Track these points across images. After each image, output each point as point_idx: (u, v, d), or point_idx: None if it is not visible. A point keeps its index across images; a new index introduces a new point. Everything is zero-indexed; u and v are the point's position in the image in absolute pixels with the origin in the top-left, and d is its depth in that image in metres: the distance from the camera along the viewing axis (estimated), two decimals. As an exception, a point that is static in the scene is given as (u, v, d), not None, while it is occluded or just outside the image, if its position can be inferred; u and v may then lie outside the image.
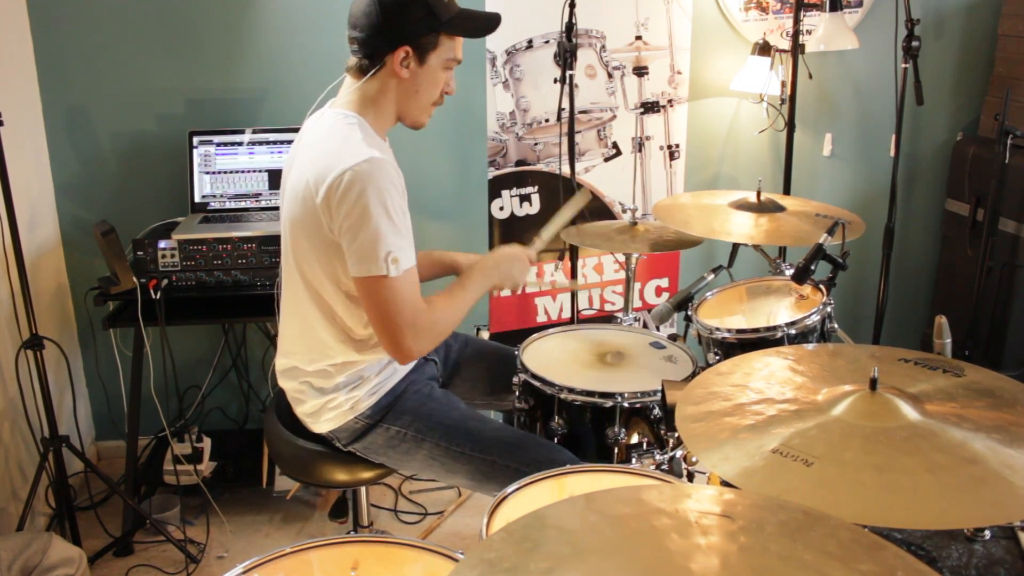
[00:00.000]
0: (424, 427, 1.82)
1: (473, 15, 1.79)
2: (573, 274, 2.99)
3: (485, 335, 2.28)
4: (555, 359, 2.05)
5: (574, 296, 3.01)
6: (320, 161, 1.67)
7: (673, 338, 2.16)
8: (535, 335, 2.16)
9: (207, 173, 2.74)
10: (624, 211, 3.11)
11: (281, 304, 1.90)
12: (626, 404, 1.84)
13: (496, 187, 3.00)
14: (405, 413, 1.84)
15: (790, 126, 2.98)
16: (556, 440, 1.90)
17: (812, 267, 1.86)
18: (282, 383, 1.90)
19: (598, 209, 3.07)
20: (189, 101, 2.86)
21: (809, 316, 1.96)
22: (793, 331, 1.94)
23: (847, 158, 3.24)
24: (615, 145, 3.06)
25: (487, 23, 1.81)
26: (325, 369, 1.81)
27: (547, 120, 2.96)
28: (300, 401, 1.87)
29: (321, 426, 1.84)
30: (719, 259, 3.09)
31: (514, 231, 3.03)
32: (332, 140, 1.71)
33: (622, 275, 3.11)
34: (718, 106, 3.15)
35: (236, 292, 2.52)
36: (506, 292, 2.31)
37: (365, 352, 1.82)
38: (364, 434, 1.83)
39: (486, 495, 1.80)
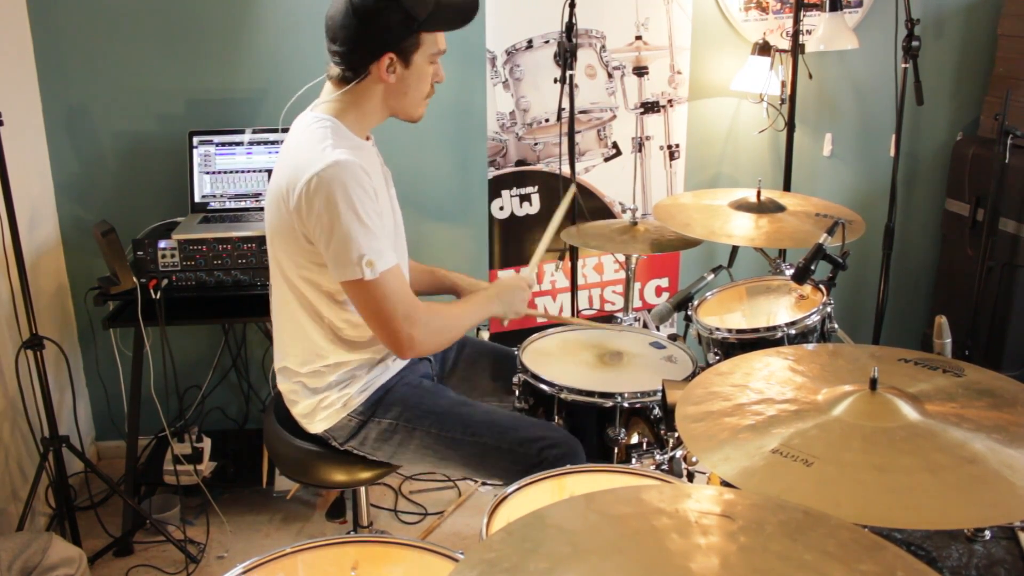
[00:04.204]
0: (414, 416, 1.83)
1: (450, 5, 1.74)
2: (573, 277, 2.99)
3: (485, 335, 2.28)
4: (555, 359, 2.05)
5: (574, 296, 3.01)
6: (290, 167, 1.68)
7: (673, 338, 2.16)
8: (535, 335, 2.16)
9: (207, 173, 2.74)
10: (624, 211, 3.10)
11: (272, 307, 1.90)
12: (626, 404, 1.84)
13: (496, 187, 3.00)
14: (395, 405, 1.84)
15: (790, 126, 2.98)
16: (556, 440, 1.90)
17: (812, 267, 1.86)
18: (279, 384, 1.91)
19: (598, 209, 3.07)
20: (189, 101, 2.86)
21: (809, 316, 1.96)
22: (793, 331, 1.94)
23: (847, 158, 3.24)
24: (615, 145, 3.06)
25: (465, 12, 1.77)
26: (318, 370, 1.82)
27: (547, 120, 2.96)
28: (295, 402, 1.87)
29: (316, 426, 1.85)
30: (719, 259, 3.09)
31: (514, 231, 3.03)
32: (302, 145, 1.70)
33: (622, 275, 3.11)
34: (718, 106, 3.15)
35: (236, 292, 2.52)
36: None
37: (356, 351, 1.82)
38: (358, 431, 1.83)
39: (483, 479, 1.79)
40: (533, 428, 1.81)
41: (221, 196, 2.74)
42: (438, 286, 2.12)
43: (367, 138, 1.83)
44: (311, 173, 1.62)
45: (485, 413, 1.85)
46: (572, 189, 2.32)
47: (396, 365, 1.92)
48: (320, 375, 1.82)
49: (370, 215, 1.66)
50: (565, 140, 2.76)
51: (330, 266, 1.67)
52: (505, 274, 3.04)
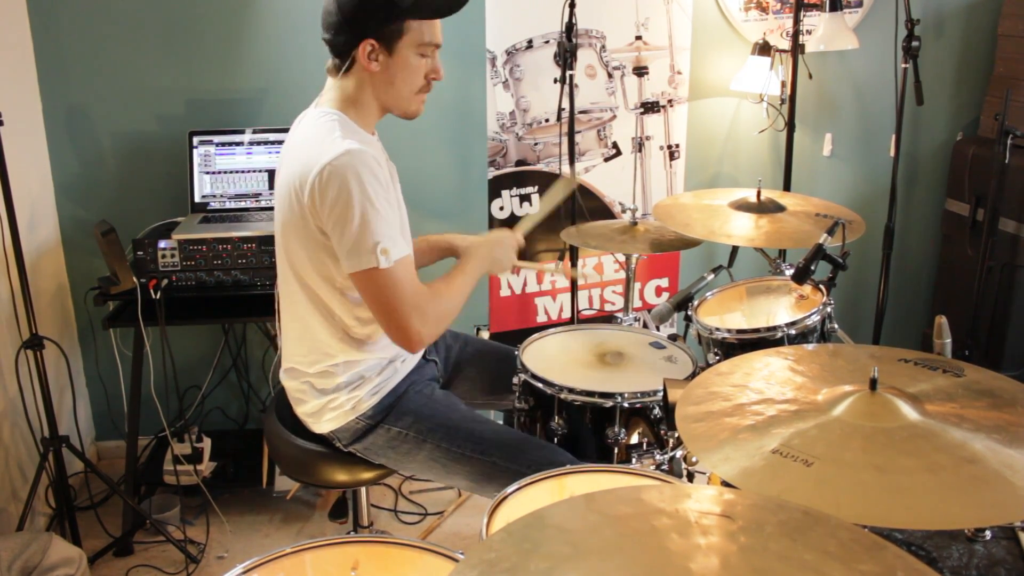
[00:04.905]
0: (425, 428, 1.82)
1: None
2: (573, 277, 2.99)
3: (485, 335, 2.28)
4: (555, 359, 2.05)
5: (574, 296, 3.01)
6: (301, 161, 1.68)
7: (673, 338, 2.16)
8: (535, 335, 2.16)
9: (207, 173, 2.74)
10: (624, 211, 3.10)
11: (280, 307, 1.90)
12: (626, 404, 1.84)
13: (496, 187, 3.00)
14: (407, 414, 1.84)
15: (790, 126, 2.98)
16: (556, 440, 1.90)
17: (812, 267, 1.86)
18: (284, 382, 1.91)
19: (598, 209, 3.07)
20: (189, 101, 2.86)
21: (809, 316, 1.96)
22: (793, 331, 1.94)
23: (847, 158, 3.24)
24: (615, 145, 3.06)
25: (449, 2, 1.72)
26: (327, 370, 1.81)
27: (547, 120, 2.96)
28: (301, 401, 1.87)
29: (322, 426, 1.84)
30: (719, 259, 3.09)
31: (514, 231, 3.03)
32: (311, 138, 1.71)
33: (622, 275, 3.11)
34: (718, 106, 3.15)
35: (236, 292, 2.52)
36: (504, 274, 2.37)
37: (365, 351, 1.82)
38: (365, 435, 1.83)
39: (485, 497, 1.80)
40: (542, 451, 1.80)
41: (221, 196, 2.74)
42: (435, 253, 2.09)
43: (372, 133, 1.83)
44: (323, 163, 1.62)
45: (495, 432, 1.84)
46: (571, 183, 2.28)
47: (405, 368, 1.91)
48: (329, 375, 1.82)
49: (384, 203, 1.66)
50: (565, 140, 2.76)
51: (342, 256, 1.66)
52: (503, 275, 3.04)
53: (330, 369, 1.81)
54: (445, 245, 2.09)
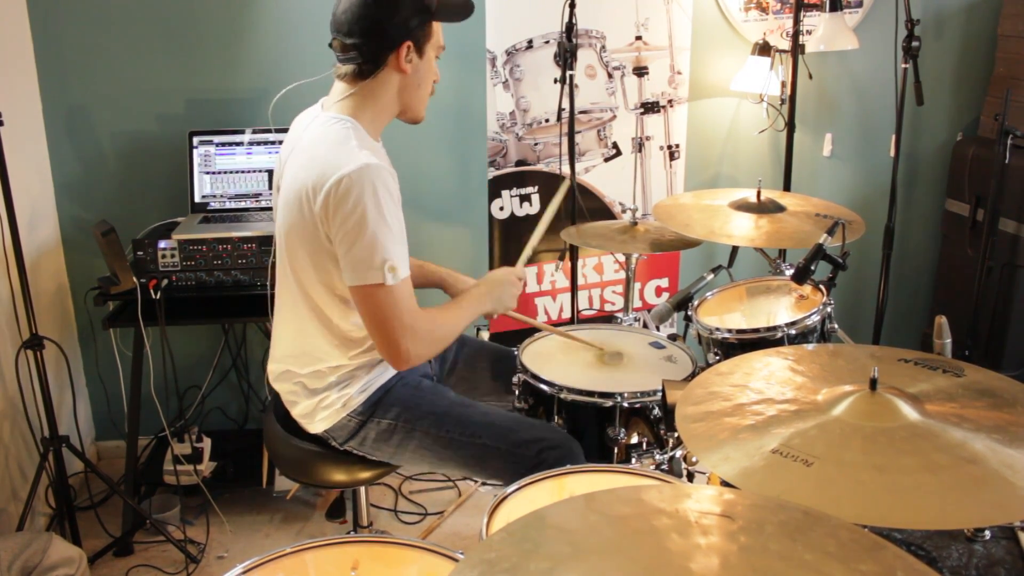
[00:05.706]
0: (413, 416, 1.83)
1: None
2: (573, 277, 2.98)
3: (485, 335, 2.28)
4: (555, 359, 2.05)
5: (574, 296, 3.01)
6: (315, 167, 1.67)
7: (673, 338, 2.16)
8: (535, 335, 2.16)
9: (207, 173, 2.74)
10: (624, 211, 3.11)
11: (275, 308, 1.89)
12: (626, 404, 1.84)
13: (496, 187, 3.00)
14: (394, 405, 1.85)
15: (790, 126, 2.98)
16: (556, 440, 1.90)
17: (812, 267, 1.86)
18: (276, 386, 1.90)
19: (598, 209, 3.07)
20: (189, 101, 2.86)
21: (809, 316, 1.96)
22: (793, 331, 1.94)
23: (847, 158, 3.24)
24: (615, 145, 3.06)
25: (466, 7, 1.82)
26: (318, 370, 1.82)
27: (547, 120, 2.96)
28: (294, 403, 1.87)
29: (316, 426, 1.85)
30: (719, 259, 3.09)
31: (514, 231, 3.03)
32: (327, 145, 1.70)
33: (622, 275, 3.11)
34: (718, 106, 3.15)
35: (236, 292, 2.52)
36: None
37: (359, 356, 1.83)
38: (357, 431, 1.84)
39: (482, 479, 1.80)
40: (532, 429, 1.81)
41: (221, 196, 2.74)
42: (424, 280, 2.11)
43: (378, 140, 1.83)
44: (341, 174, 1.61)
45: (484, 414, 1.85)
46: (567, 183, 2.29)
47: None
48: (320, 376, 1.82)
49: (394, 221, 1.66)
50: (565, 140, 2.76)
51: (347, 269, 1.66)
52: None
53: (322, 370, 1.82)
54: (436, 279, 2.10)
